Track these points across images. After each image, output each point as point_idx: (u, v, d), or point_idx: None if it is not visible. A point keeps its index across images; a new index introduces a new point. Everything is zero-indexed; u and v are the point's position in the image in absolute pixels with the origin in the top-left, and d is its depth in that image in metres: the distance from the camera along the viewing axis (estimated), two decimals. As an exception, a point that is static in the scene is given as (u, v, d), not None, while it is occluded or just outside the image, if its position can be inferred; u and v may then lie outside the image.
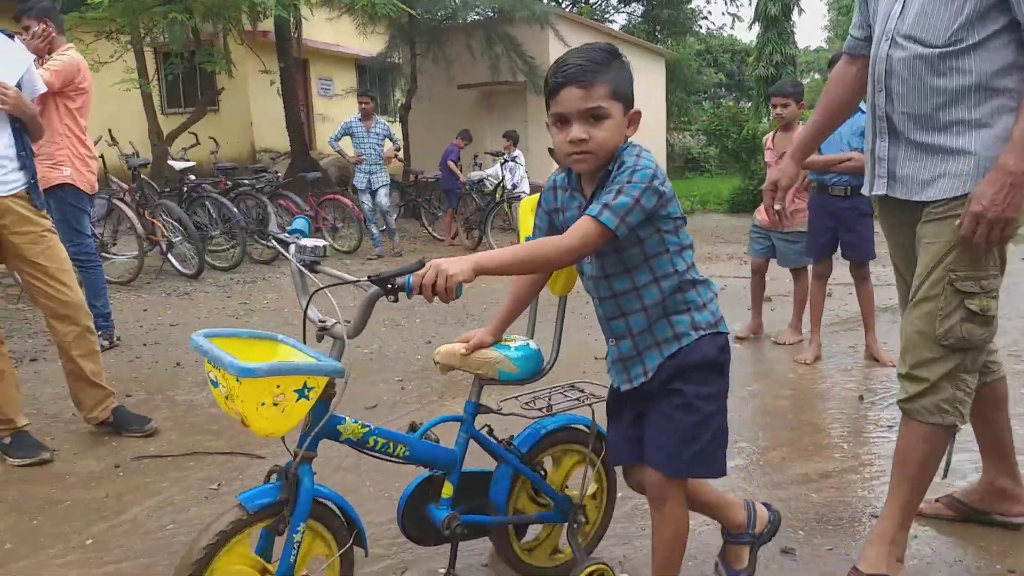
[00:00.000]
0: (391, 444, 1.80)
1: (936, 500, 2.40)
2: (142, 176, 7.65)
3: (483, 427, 1.97)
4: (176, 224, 7.28)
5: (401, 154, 11.02)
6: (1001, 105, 1.84)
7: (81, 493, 2.69)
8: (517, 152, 9.99)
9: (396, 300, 1.55)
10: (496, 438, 1.98)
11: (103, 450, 3.09)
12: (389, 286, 1.53)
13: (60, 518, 2.52)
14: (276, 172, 9.68)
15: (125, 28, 10.26)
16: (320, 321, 1.67)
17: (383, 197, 8.83)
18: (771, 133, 4.77)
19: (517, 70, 13.41)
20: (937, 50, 1.86)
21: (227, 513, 1.58)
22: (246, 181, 8.70)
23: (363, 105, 8.76)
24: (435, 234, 10.71)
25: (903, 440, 1.99)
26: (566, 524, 2.05)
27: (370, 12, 10.94)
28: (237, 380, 1.44)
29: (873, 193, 2.10)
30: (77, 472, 2.87)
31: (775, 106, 4.53)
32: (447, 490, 1.89)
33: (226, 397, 1.51)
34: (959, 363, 1.90)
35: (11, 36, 3.01)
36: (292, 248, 1.76)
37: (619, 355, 1.76)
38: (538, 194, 1.85)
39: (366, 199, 8.86)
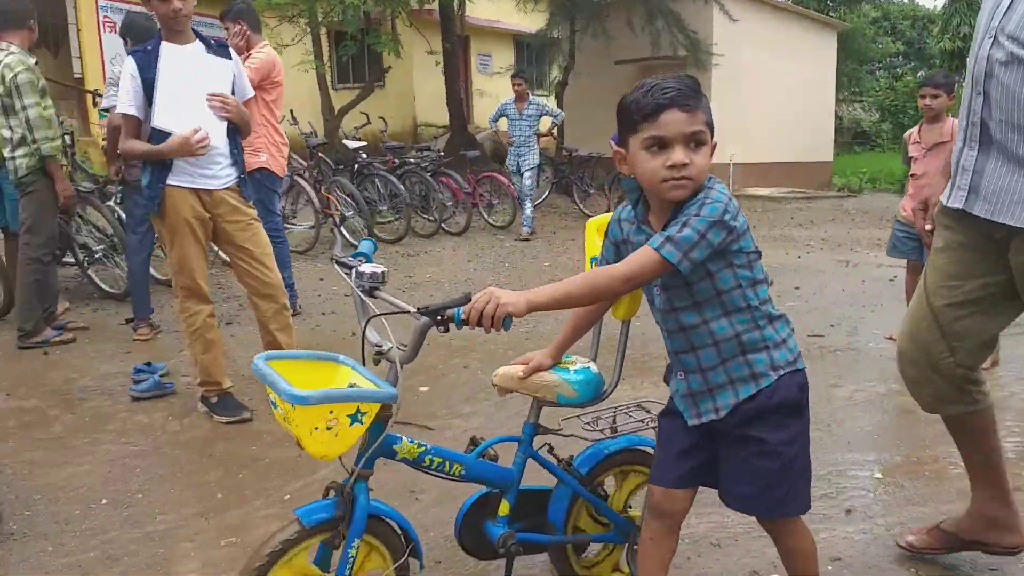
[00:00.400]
0: (447, 463, 1.82)
1: (926, 531, 2.25)
2: (319, 154, 8.25)
3: (543, 445, 1.98)
4: (348, 199, 7.81)
5: (556, 131, 11.15)
6: None
7: (278, 452, 3.05)
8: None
9: (447, 331, 1.57)
10: (557, 457, 1.97)
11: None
12: (439, 317, 1.57)
13: (261, 474, 2.88)
14: (439, 151, 10.10)
15: (305, 12, 10.99)
16: (377, 345, 1.71)
17: (527, 179, 8.98)
18: (916, 127, 4.51)
19: (678, 45, 13.15)
20: None
21: (287, 526, 1.66)
22: (411, 160, 9.19)
23: (516, 87, 8.87)
24: (586, 211, 10.81)
25: None
26: (626, 545, 2.04)
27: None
28: (292, 406, 1.51)
29: (950, 205, 1.93)
30: (273, 432, 3.24)
31: (924, 96, 4.32)
32: (504, 508, 1.90)
33: (284, 418, 1.58)
34: None
35: (217, 45, 3.36)
36: (353, 272, 1.79)
37: (688, 390, 1.68)
38: (606, 214, 1.82)
39: (516, 180, 9.07)
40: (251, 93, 3.51)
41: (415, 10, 12.54)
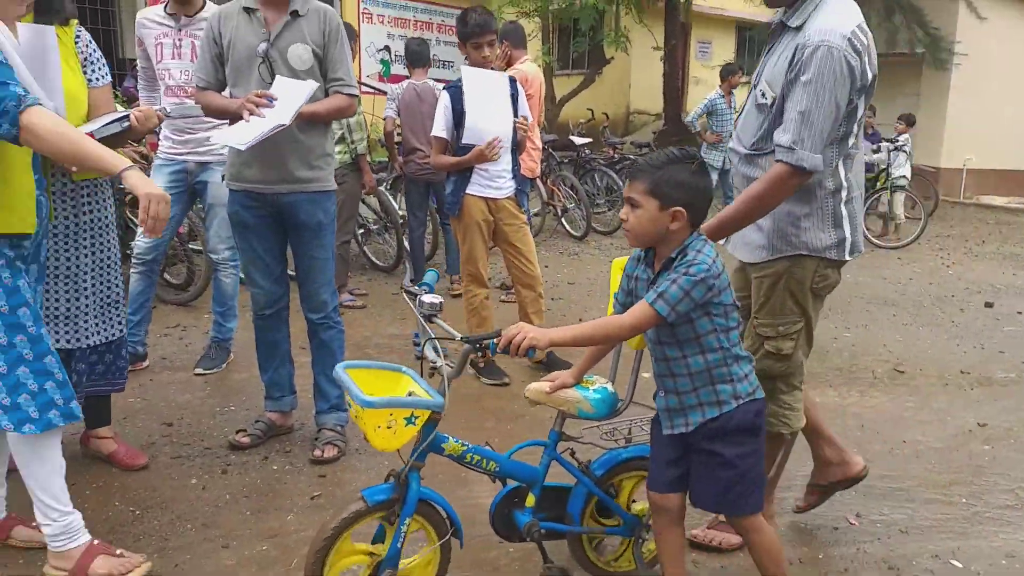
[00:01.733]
0: (484, 460, 2.19)
1: (805, 494, 2.87)
2: (548, 148, 9.04)
3: (566, 450, 2.32)
4: (571, 191, 8.55)
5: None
6: None
7: (535, 411, 3.81)
8: (906, 136, 9.60)
9: (483, 356, 2.07)
10: (578, 460, 2.32)
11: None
12: (477, 346, 2.00)
13: (525, 428, 3.64)
14: (655, 145, 10.57)
15: (541, 8, 11.85)
16: (432, 362, 2.07)
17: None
18: None
19: (916, 41, 12.60)
20: None
21: (353, 503, 2.05)
22: (630, 156, 9.75)
23: (731, 80, 8.69)
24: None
25: None
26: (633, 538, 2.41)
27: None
28: (361, 408, 1.91)
29: None
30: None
31: None
32: (530, 500, 2.26)
33: (355, 416, 1.98)
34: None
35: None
36: (417, 300, 2.16)
37: (666, 406, 2.08)
38: (627, 257, 2.18)
39: (716, 178, 8.68)
40: (527, 111, 4.27)
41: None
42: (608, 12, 12.66)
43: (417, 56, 5.87)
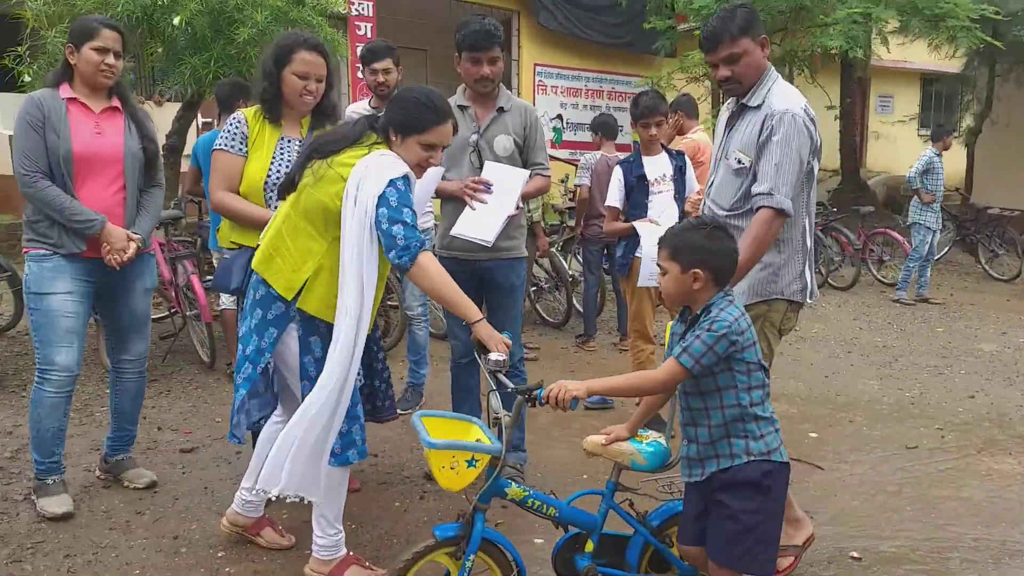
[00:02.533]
0: (544, 506, 2.38)
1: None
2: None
3: (624, 500, 2.47)
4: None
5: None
6: None
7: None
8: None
9: (534, 405, 2.22)
10: (635, 511, 2.47)
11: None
12: (528, 396, 2.23)
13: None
14: (830, 205, 10.32)
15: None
16: (495, 412, 2.33)
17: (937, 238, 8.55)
18: None
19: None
20: None
21: (425, 540, 2.31)
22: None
23: (945, 140, 8.48)
24: (992, 272, 10.15)
25: None
26: None
27: (951, 40, 10.73)
28: (427, 449, 2.20)
29: None
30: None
31: None
32: (588, 546, 2.43)
33: (426, 457, 2.26)
34: None
35: (676, 154, 4.49)
36: (484, 357, 2.42)
37: (687, 454, 2.27)
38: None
39: (932, 239, 8.48)
40: (694, 184, 4.57)
41: (815, 57, 12.87)
42: (783, 70, 12.65)
43: (610, 130, 6.37)
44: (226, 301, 4.86)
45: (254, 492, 2.92)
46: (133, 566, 2.90)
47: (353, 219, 2.45)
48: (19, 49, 5.62)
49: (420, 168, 2.65)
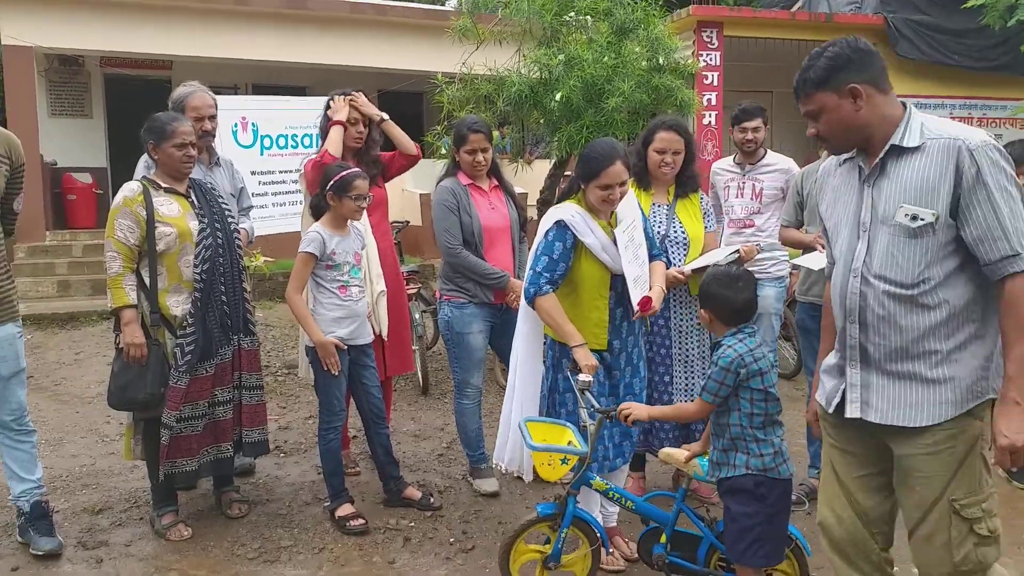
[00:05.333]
0: (623, 499, 2.96)
1: None
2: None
3: (701, 506, 3.25)
4: None
5: None
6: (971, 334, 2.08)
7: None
8: None
9: (611, 422, 2.88)
10: (708, 516, 2.92)
11: None
12: (606, 414, 2.82)
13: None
14: None
15: None
16: (583, 422, 2.88)
17: None
18: None
19: None
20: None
21: (530, 515, 2.96)
22: None
23: None
24: None
25: None
26: None
27: None
28: (531, 450, 2.83)
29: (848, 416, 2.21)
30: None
31: None
32: (663, 538, 2.90)
33: (532, 455, 2.90)
34: None
35: None
36: (574, 378, 2.95)
37: (711, 458, 2.71)
38: None
39: None
40: None
41: None
42: None
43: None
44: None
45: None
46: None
47: None
48: (438, 127, 7.09)
49: (606, 205, 3.11)
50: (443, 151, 7.14)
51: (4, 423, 3.45)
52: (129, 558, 3.47)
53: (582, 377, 2.93)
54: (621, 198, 3.14)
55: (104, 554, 3.50)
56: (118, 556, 3.49)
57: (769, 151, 4.75)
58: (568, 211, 3.14)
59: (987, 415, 2.10)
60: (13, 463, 3.49)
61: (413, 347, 6.30)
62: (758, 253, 4.16)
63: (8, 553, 3.49)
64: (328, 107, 4.25)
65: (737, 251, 3.75)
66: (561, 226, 3.12)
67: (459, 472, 4.42)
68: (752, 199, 4.67)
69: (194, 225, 3.54)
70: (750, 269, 4.60)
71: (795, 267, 4.12)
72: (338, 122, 4.14)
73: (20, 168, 3.49)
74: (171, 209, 3.52)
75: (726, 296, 2.65)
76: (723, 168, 4.89)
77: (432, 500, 3.93)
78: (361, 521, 3.70)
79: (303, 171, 4.21)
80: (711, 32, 11.11)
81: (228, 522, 3.79)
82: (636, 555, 3.18)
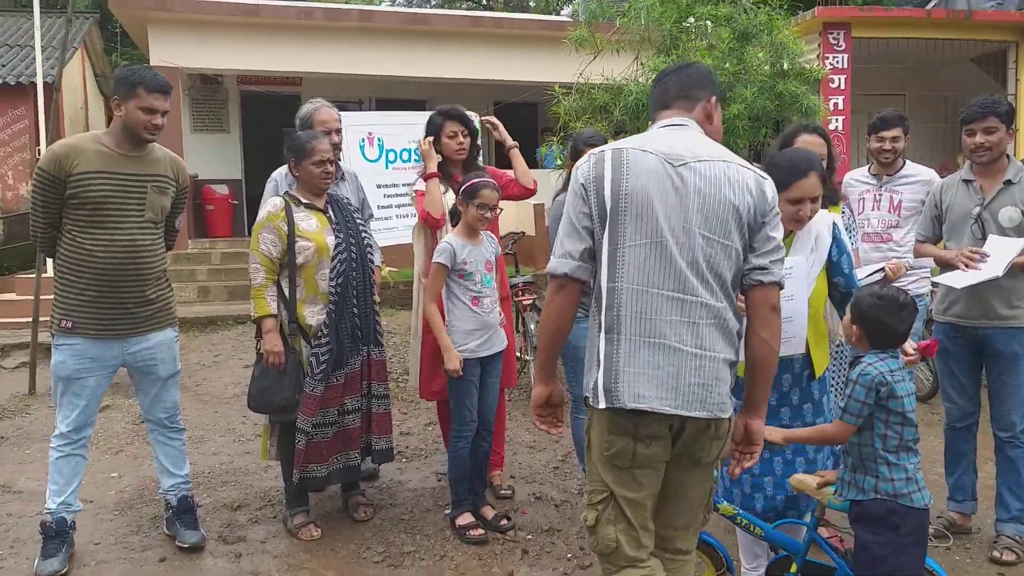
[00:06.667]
0: (751, 526, 2.77)
1: None
2: None
3: (833, 536, 3.05)
4: None
5: None
6: None
7: None
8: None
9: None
10: (842, 547, 2.81)
11: None
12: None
13: None
14: None
15: None
16: None
17: None
18: None
19: None
20: None
21: None
22: None
23: None
24: None
25: None
26: None
27: None
28: None
29: None
30: None
31: None
32: (792, 567, 2.76)
33: None
34: None
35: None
36: None
37: (841, 476, 2.61)
38: None
39: None
40: None
41: None
42: None
43: None
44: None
45: None
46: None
47: None
48: (555, 137, 7.13)
49: (794, 223, 2.79)
50: (559, 162, 7.18)
51: (159, 420, 3.73)
52: (265, 554, 3.67)
53: None
54: (812, 216, 2.82)
55: (243, 549, 3.72)
56: (255, 552, 3.69)
57: (908, 161, 4.52)
58: None
59: None
60: (164, 458, 3.76)
61: (527, 358, 6.36)
62: (906, 271, 3.95)
63: (156, 544, 3.76)
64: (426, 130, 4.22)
65: (882, 268, 3.57)
66: None
67: (575, 486, 4.42)
68: (890, 212, 4.47)
69: (331, 240, 3.71)
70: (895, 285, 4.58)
71: (935, 285, 3.89)
72: (433, 175, 4.09)
73: (184, 190, 3.76)
74: (310, 224, 3.71)
75: (886, 323, 2.53)
76: (857, 179, 4.69)
77: (503, 523, 3.84)
78: (480, 531, 3.75)
79: (414, 194, 4.32)
80: (838, 34, 10.64)
81: (354, 525, 3.94)
82: None
